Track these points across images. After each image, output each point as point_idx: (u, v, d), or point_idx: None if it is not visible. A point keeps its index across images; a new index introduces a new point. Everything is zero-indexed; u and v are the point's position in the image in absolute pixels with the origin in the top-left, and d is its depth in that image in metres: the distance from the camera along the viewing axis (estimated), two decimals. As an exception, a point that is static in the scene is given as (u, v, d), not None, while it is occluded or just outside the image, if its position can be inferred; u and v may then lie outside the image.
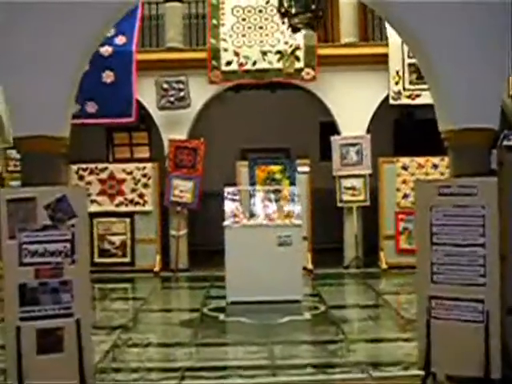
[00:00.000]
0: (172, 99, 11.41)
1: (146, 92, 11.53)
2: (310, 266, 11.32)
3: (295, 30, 7.02)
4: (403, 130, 13.72)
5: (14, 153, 11.53)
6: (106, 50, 11.29)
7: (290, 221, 9.00)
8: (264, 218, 9.12)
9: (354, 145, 11.60)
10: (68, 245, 4.87)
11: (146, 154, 14.79)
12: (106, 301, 9.58)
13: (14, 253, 4.73)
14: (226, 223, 8.97)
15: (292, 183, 11.41)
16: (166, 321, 8.25)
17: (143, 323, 8.07)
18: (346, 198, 11.70)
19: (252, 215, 9.39)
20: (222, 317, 8.10)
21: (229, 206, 9.12)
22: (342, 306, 8.91)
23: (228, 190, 9.25)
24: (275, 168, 11.77)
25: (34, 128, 4.88)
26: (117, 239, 11.74)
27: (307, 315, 8.15)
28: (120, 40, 11.44)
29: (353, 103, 11.55)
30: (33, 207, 4.77)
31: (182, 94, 11.39)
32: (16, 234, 4.73)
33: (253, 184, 11.48)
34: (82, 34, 5.02)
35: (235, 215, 9.06)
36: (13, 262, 4.73)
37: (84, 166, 11.77)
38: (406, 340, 6.88)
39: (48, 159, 5.01)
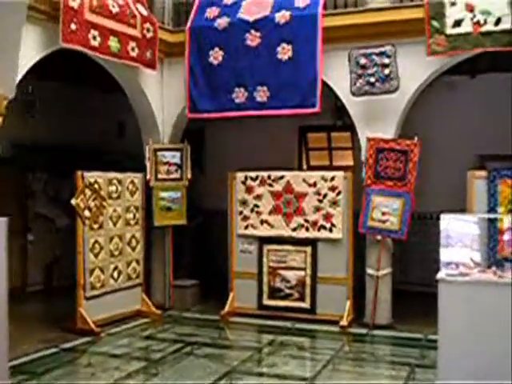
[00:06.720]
0: (372, 80, 7.91)
1: (335, 71, 8.23)
2: None
3: None
4: None
5: (167, 155, 9.02)
6: (283, 15, 8.24)
7: (558, 276, 5.07)
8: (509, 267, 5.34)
9: None
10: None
11: (350, 162, 11.54)
12: (246, 374, 6.45)
13: None
14: (440, 275, 5.29)
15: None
16: None
17: None
18: None
19: (491, 262, 5.62)
20: None
21: (448, 246, 5.45)
22: None
23: (446, 217, 5.52)
24: (529, 183, 7.70)
25: None
26: (293, 275, 8.60)
27: None
28: (302, 2, 8.29)
29: None
30: None
31: (386, 71, 7.85)
32: None
33: (493, 207, 7.56)
34: None
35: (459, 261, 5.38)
36: None
37: (253, 174, 8.83)
38: None
39: None
